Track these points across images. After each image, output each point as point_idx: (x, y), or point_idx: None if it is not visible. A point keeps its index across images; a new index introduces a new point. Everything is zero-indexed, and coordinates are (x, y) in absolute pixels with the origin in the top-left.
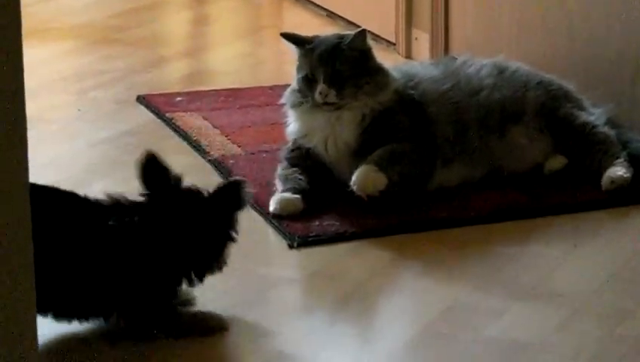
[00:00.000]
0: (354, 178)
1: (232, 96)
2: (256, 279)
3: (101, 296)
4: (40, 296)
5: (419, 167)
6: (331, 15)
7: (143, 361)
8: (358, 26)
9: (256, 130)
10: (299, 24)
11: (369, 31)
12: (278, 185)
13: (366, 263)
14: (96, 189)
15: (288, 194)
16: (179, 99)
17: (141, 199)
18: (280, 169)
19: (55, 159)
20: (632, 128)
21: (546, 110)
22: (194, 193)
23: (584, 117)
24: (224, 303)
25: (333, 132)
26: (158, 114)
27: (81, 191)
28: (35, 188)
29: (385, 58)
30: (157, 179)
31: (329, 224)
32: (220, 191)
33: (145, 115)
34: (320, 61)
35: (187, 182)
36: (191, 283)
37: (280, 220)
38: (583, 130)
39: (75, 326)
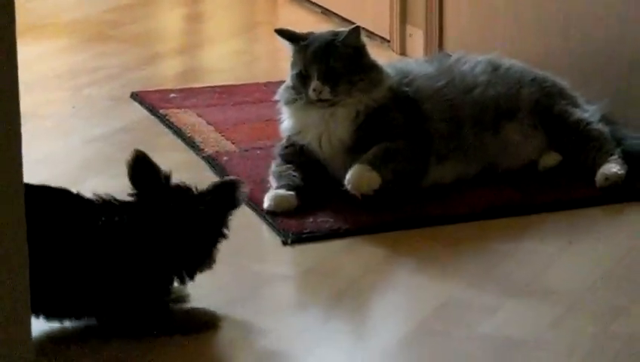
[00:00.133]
0: (348, 177)
1: (227, 93)
2: (250, 275)
3: (92, 295)
4: (32, 297)
5: (413, 164)
6: (326, 12)
7: (135, 358)
8: (353, 23)
9: (251, 126)
10: (293, 21)
11: (363, 28)
12: (272, 182)
13: (360, 260)
14: (90, 186)
15: (282, 191)
16: (173, 95)
17: (131, 199)
18: (274, 165)
19: (49, 155)
20: (626, 125)
21: (540, 107)
22: (184, 190)
23: (578, 114)
24: (218, 300)
25: (327, 129)
26: (153, 110)
27: (75, 188)
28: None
29: (379, 55)
30: (146, 178)
31: (323, 221)
32: (215, 189)
33: (139, 111)
34: (314, 58)
35: (178, 178)
36: (182, 281)
37: (274, 217)
38: (577, 127)
39: (67, 324)
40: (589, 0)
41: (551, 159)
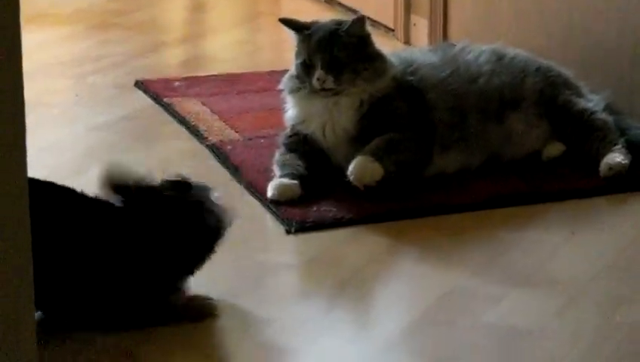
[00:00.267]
0: (350, 168)
1: (231, 82)
2: (254, 265)
3: (94, 292)
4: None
5: (416, 155)
6: (329, 1)
7: (137, 347)
8: (356, 12)
9: (255, 115)
10: (297, 10)
11: (367, 16)
12: (276, 171)
13: (364, 249)
14: (93, 174)
15: (286, 180)
16: (177, 84)
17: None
18: (278, 154)
19: (53, 143)
20: (630, 115)
21: (544, 97)
22: (179, 185)
23: (582, 103)
24: (221, 288)
25: (331, 118)
26: (157, 99)
27: (79, 176)
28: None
29: (383, 44)
30: (126, 191)
31: (327, 210)
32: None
33: (143, 100)
34: (318, 47)
35: (182, 167)
36: (182, 278)
37: (278, 206)
38: (582, 117)
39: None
40: None
41: (555, 149)
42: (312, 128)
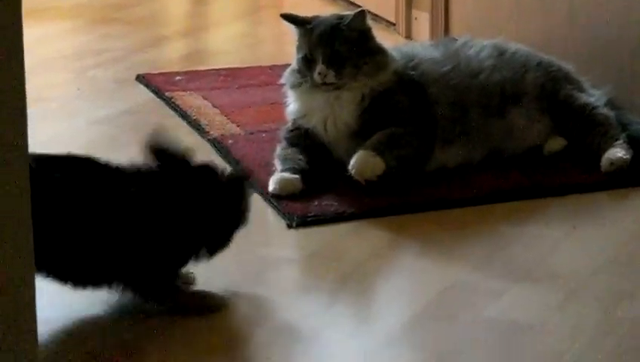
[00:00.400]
0: (352, 163)
1: (232, 76)
2: (255, 259)
3: (116, 262)
4: (59, 264)
5: (417, 150)
6: None
7: (139, 340)
8: (358, 6)
9: (256, 109)
10: (298, 4)
11: (368, 11)
12: (277, 165)
13: (365, 244)
14: None
15: (287, 174)
16: (178, 78)
17: (154, 168)
18: (279, 149)
19: (54, 137)
20: (631, 109)
21: (545, 92)
22: (210, 170)
23: (584, 98)
24: (222, 283)
25: (332, 112)
26: (158, 93)
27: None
28: (51, 158)
29: (384, 38)
30: (165, 158)
31: (328, 204)
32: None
33: (144, 94)
34: (319, 41)
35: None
36: (199, 259)
37: (279, 200)
38: (583, 112)
39: (72, 304)
40: None
41: (556, 144)
42: (314, 122)
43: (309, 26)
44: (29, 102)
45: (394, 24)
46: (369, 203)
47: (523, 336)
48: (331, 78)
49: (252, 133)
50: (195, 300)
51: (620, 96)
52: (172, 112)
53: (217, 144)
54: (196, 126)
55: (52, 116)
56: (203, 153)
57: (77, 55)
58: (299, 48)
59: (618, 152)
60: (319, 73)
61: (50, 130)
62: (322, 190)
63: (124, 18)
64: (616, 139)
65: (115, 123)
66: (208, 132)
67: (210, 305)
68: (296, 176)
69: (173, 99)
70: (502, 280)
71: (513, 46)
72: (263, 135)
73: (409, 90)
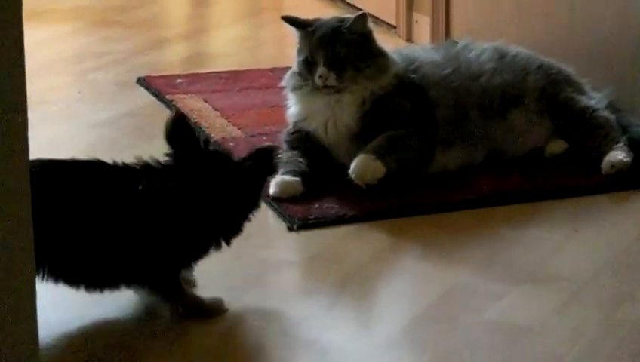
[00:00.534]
0: (352, 166)
1: (233, 79)
2: (256, 262)
3: (130, 262)
4: (70, 268)
5: (418, 153)
6: None
7: (138, 343)
8: (359, 9)
9: (257, 112)
10: (299, 6)
11: (369, 13)
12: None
13: (366, 246)
14: None
15: (288, 177)
16: (179, 81)
17: (169, 161)
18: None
19: (54, 140)
20: (632, 112)
21: (546, 94)
22: (224, 155)
23: (584, 101)
24: (224, 286)
25: (333, 115)
26: (159, 96)
27: None
28: (59, 163)
29: (385, 41)
30: (184, 139)
31: (329, 207)
32: (253, 155)
33: (145, 96)
34: (320, 44)
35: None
36: (218, 247)
37: (280, 203)
38: (584, 115)
39: (73, 306)
40: None
41: (557, 146)
42: (314, 125)
43: (310, 29)
44: (30, 105)
45: (395, 27)
46: (370, 205)
47: (523, 339)
48: (332, 81)
49: (253, 136)
50: (196, 303)
51: (620, 98)
52: None
53: None
54: (199, 130)
55: (53, 119)
56: None
57: (77, 58)
58: (300, 51)
59: (619, 155)
60: (320, 76)
61: (51, 133)
62: (323, 193)
63: (125, 21)
64: (617, 142)
65: (116, 126)
66: (209, 135)
67: (211, 308)
68: (297, 178)
69: (173, 102)
70: (502, 283)
71: (514, 49)
72: (264, 138)
73: (410, 94)
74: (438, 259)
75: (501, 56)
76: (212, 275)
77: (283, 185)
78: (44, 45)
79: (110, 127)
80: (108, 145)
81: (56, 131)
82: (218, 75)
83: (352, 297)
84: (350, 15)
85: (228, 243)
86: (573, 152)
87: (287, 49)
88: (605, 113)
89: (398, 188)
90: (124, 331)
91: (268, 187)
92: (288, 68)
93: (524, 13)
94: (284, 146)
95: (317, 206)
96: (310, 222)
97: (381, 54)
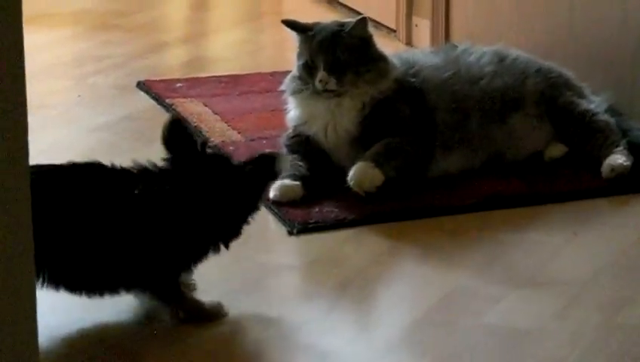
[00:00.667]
0: (350, 174)
1: (232, 83)
2: (256, 266)
3: (129, 266)
4: (70, 274)
5: (416, 159)
6: (331, 1)
7: (138, 347)
8: (359, 13)
9: (257, 116)
10: (299, 11)
11: (369, 17)
12: None
13: (365, 250)
14: None
15: (288, 181)
16: (179, 85)
17: (166, 164)
18: None
19: (54, 144)
20: (632, 116)
21: (545, 98)
22: (222, 158)
23: (584, 105)
24: (223, 290)
25: (333, 119)
26: (158, 100)
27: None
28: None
29: (385, 45)
30: (181, 143)
31: (329, 211)
32: (255, 160)
33: (145, 100)
34: (320, 48)
35: (213, 147)
36: (217, 250)
37: (280, 207)
38: (583, 118)
39: (73, 310)
40: None
41: (557, 150)
42: (314, 129)
43: (310, 33)
44: (30, 109)
45: (394, 31)
46: (370, 209)
47: (523, 342)
48: (332, 85)
49: (253, 140)
50: (196, 307)
51: (620, 102)
52: None
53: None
54: (197, 133)
55: (52, 123)
56: None
57: (77, 62)
58: (300, 55)
59: (619, 159)
60: (320, 80)
61: (51, 137)
62: (323, 197)
63: (125, 25)
64: (617, 146)
65: (116, 130)
66: (209, 139)
67: (211, 312)
68: (297, 182)
69: (173, 106)
70: (502, 287)
71: (513, 52)
72: (264, 142)
73: (409, 98)
74: (438, 263)
75: (501, 59)
76: (212, 279)
77: (283, 189)
78: (44, 49)
79: (110, 131)
80: (108, 149)
81: (55, 135)
82: (218, 79)
83: (351, 301)
84: (350, 19)
85: (227, 247)
86: (572, 156)
87: (287, 53)
88: (605, 117)
89: (397, 191)
90: (124, 335)
91: (268, 191)
92: (288, 72)
93: (523, 16)
94: (284, 150)
95: (317, 210)
96: (310, 225)
97: (381, 58)
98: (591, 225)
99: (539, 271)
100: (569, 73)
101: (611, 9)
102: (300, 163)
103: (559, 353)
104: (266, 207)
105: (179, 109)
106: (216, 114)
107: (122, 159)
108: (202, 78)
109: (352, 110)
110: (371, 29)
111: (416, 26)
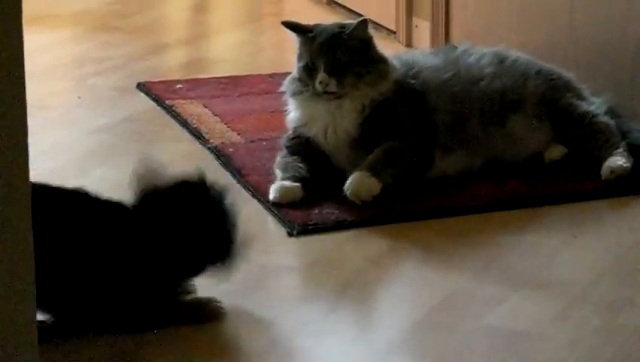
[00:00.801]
0: (347, 184)
1: (232, 84)
2: (256, 267)
3: (106, 295)
4: (46, 298)
5: (414, 164)
6: (331, 3)
7: (137, 350)
8: (359, 14)
9: (257, 117)
10: (299, 12)
11: (369, 19)
12: (278, 174)
13: (365, 252)
14: (95, 176)
15: (288, 183)
16: (179, 86)
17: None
18: (280, 157)
19: (54, 146)
20: (632, 118)
21: (545, 99)
22: (187, 185)
23: (584, 106)
24: (223, 291)
25: (333, 121)
26: (158, 101)
27: (80, 178)
28: (41, 187)
29: (385, 46)
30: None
31: (329, 212)
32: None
33: (145, 102)
34: (320, 50)
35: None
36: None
37: (280, 208)
38: (583, 120)
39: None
40: None
41: (556, 152)
42: (314, 131)
43: (310, 35)
44: (30, 110)
45: (394, 32)
46: (369, 211)
47: (523, 344)
48: (333, 87)
49: (252, 142)
50: (195, 309)
51: (620, 104)
52: (172, 120)
53: (218, 152)
54: (196, 134)
55: (52, 125)
56: (203, 162)
57: (77, 63)
58: (300, 57)
59: (618, 160)
60: (321, 82)
61: (51, 138)
62: (323, 198)
63: (125, 26)
64: (617, 147)
65: (115, 131)
66: (209, 140)
67: (210, 314)
68: (297, 184)
69: (173, 108)
70: (502, 289)
71: (513, 54)
72: (264, 143)
73: (409, 100)
74: (438, 265)
75: (501, 60)
76: (211, 280)
77: (283, 191)
78: (44, 50)
79: (110, 133)
80: (107, 151)
81: (56, 137)
82: (218, 80)
83: (351, 302)
84: (351, 21)
85: (224, 264)
86: (572, 158)
87: (287, 54)
88: (605, 118)
89: (397, 193)
90: (123, 338)
91: (268, 193)
92: (288, 73)
93: (523, 18)
94: (284, 152)
95: (317, 211)
96: (310, 227)
97: (381, 60)
98: (590, 226)
99: (539, 273)
100: (569, 75)
101: (612, 11)
102: (300, 164)
103: (559, 355)
104: (266, 208)
105: (178, 110)
106: (215, 115)
107: (122, 160)
108: (202, 79)
109: (352, 112)
110: (371, 30)
111: (416, 27)
